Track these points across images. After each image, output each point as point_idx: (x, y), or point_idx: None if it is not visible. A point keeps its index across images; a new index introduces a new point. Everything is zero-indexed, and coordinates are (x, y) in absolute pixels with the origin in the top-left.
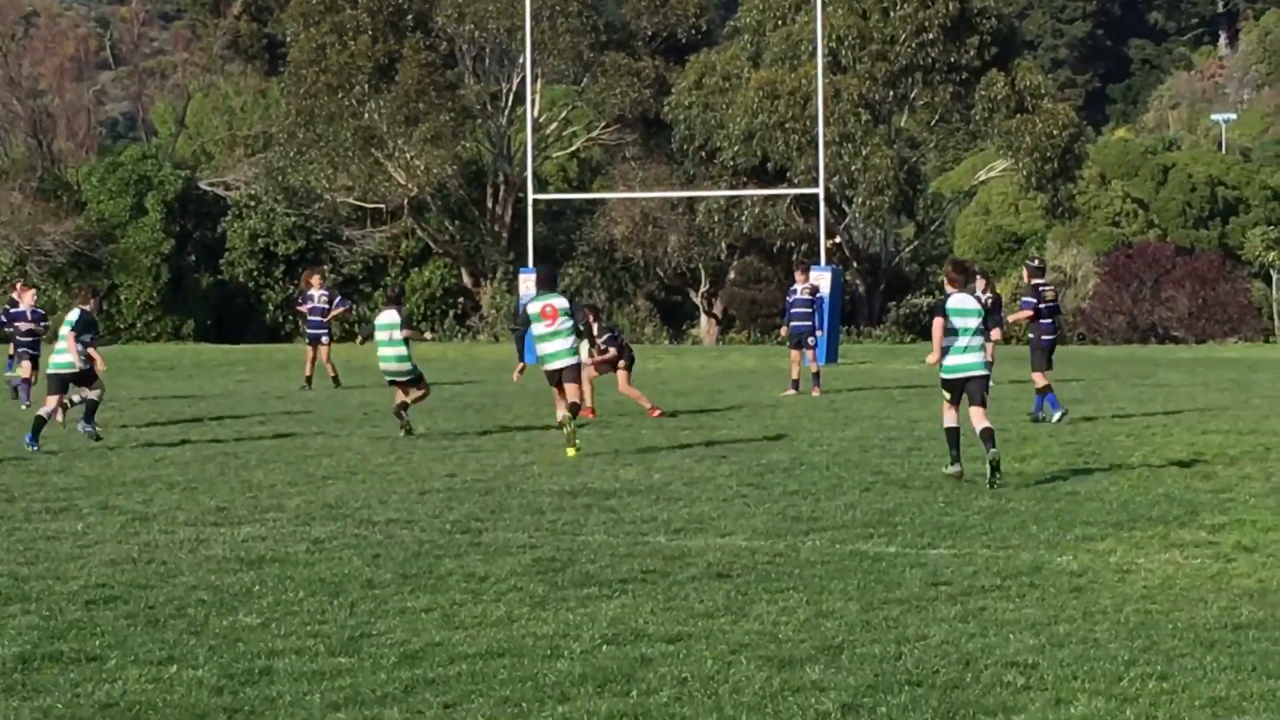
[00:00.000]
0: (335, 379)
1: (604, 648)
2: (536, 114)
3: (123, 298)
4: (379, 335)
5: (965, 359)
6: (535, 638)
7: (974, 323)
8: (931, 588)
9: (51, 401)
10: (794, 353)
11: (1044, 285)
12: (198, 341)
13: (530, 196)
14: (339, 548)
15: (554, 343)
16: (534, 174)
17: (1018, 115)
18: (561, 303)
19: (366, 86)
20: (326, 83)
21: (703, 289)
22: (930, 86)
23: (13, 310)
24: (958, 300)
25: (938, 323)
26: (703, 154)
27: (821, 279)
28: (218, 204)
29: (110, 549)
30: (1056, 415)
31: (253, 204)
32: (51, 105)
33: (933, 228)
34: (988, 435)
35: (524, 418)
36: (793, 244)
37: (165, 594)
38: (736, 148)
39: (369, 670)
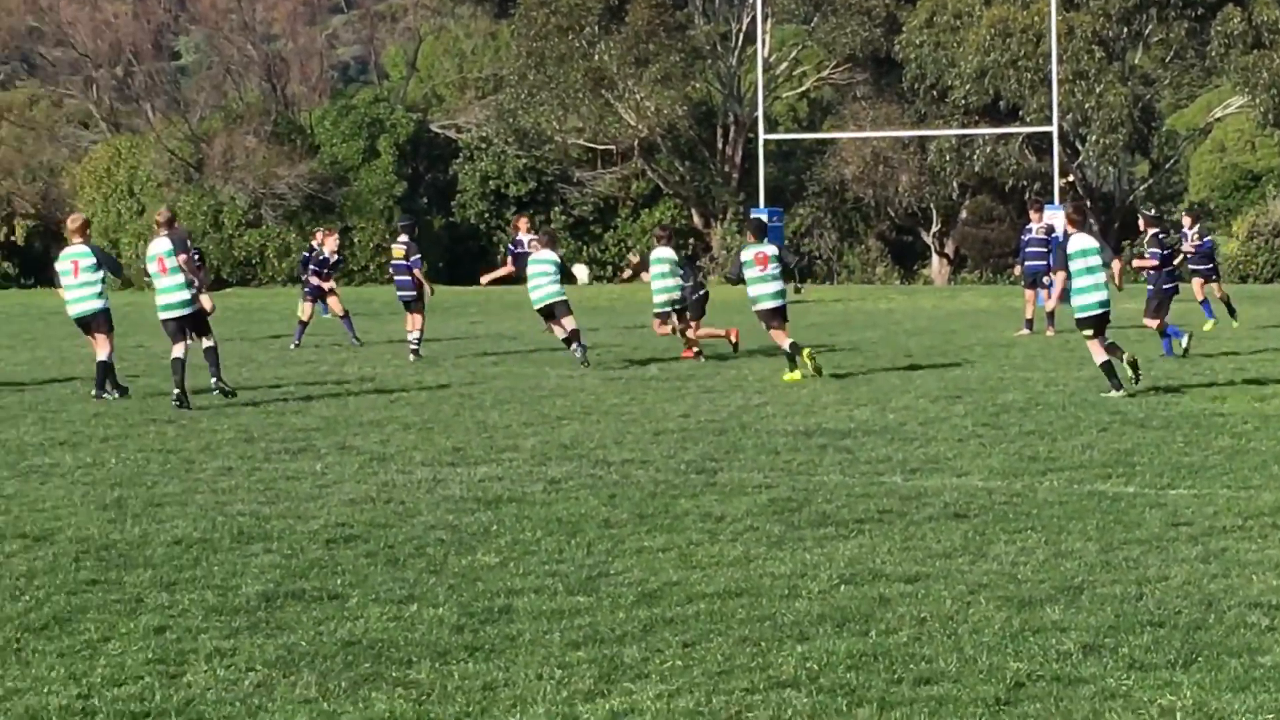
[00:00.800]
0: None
1: (842, 588)
2: (766, 54)
3: (355, 240)
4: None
5: (1104, 295)
6: (773, 577)
7: (1098, 260)
8: (1172, 528)
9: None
10: (1028, 292)
11: (1162, 234)
12: (430, 283)
13: (761, 137)
14: (575, 488)
15: (764, 285)
16: (764, 114)
17: (1254, 51)
18: (772, 250)
19: (596, 28)
20: (557, 24)
21: (934, 229)
22: (1165, 22)
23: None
24: (1080, 241)
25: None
26: (934, 93)
27: (1055, 218)
28: (449, 146)
29: (349, 489)
30: (1184, 340)
31: (484, 146)
32: (284, 50)
33: (1167, 166)
34: (1115, 349)
35: (756, 359)
36: (1025, 183)
37: (404, 533)
38: (968, 86)
39: (607, 609)
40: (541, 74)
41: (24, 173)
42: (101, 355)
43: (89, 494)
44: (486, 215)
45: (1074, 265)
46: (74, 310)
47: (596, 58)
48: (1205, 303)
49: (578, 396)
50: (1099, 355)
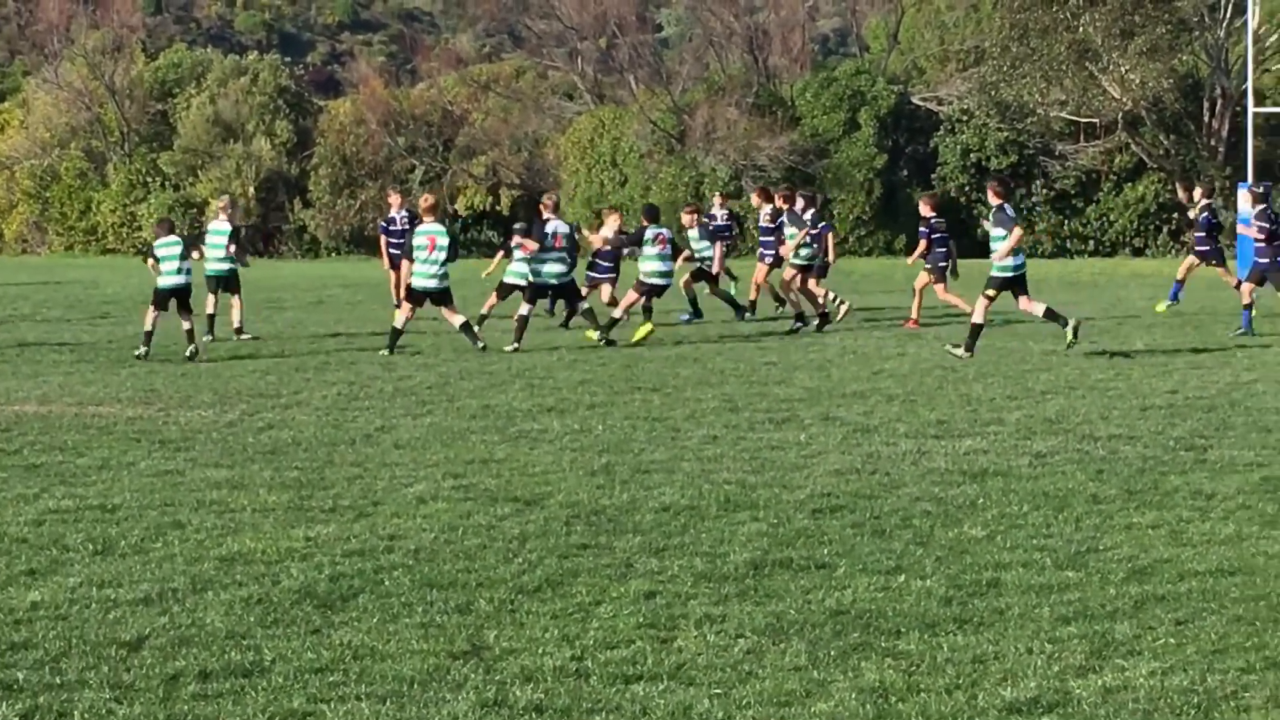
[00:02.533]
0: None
1: None
2: (1256, 25)
3: (835, 212)
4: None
5: (1022, 257)
6: (1266, 556)
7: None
8: None
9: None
10: None
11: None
12: (909, 256)
13: (1249, 110)
14: (1061, 462)
15: (658, 263)
16: (1253, 87)
17: None
18: (667, 233)
19: (1081, 0)
20: None
21: None
22: None
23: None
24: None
25: (1018, 231)
26: None
27: None
28: (929, 119)
29: (834, 459)
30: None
31: (965, 119)
32: (766, 21)
33: None
34: (1050, 314)
35: (1246, 337)
36: None
37: (890, 504)
38: None
39: (1097, 585)
40: (1024, 46)
41: (509, 143)
42: (456, 322)
43: (577, 460)
44: (967, 188)
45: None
46: (418, 284)
47: (1080, 30)
48: None
49: (1061, 371)
50: (978, 315)
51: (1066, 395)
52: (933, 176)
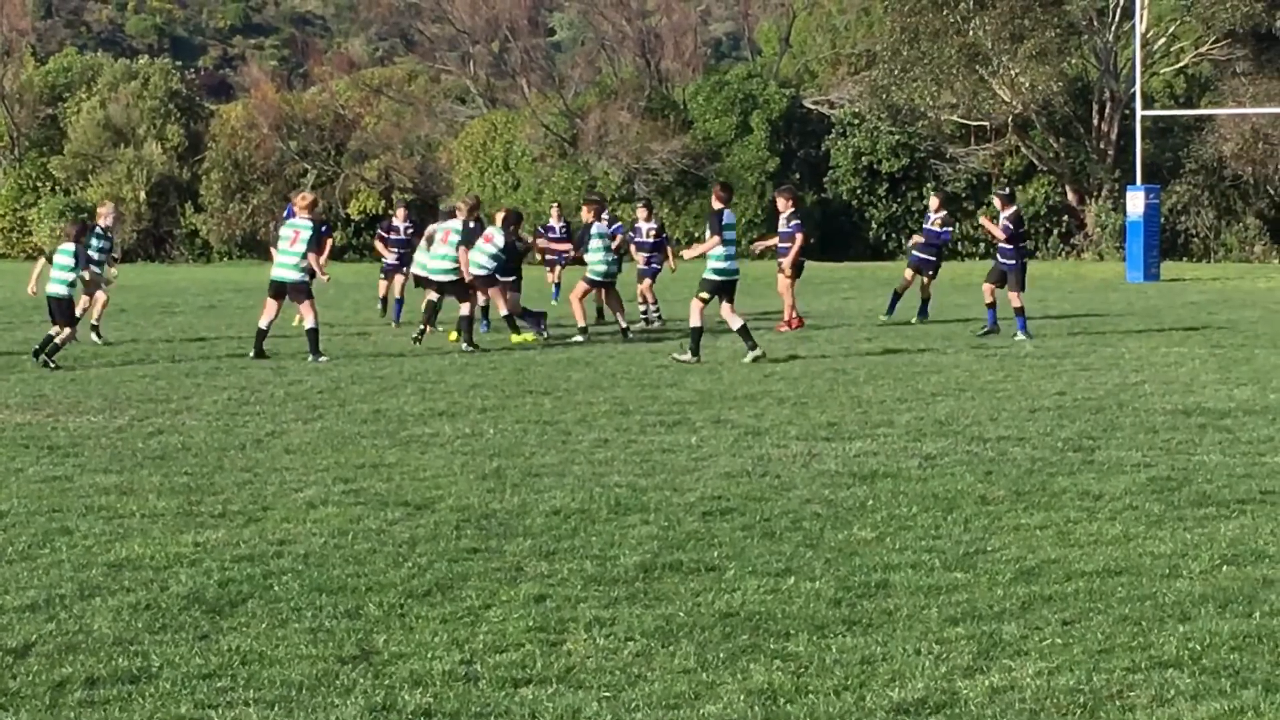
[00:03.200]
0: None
1: (1224, 568)
2: (1144, 29)
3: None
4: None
5: (733, 264)
6: (1153, 556)
7: (733, 235)
8: None
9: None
10: None
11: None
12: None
13: (1138, 113)
14: (951, 464)
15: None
16: (1141, 90)
17: None
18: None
19: (971, 3)
20: (931, 0)
21: None
22: None
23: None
24: (727, 216)
25: (713, 239)
26: None
27: None
28: (821, 122)
29: (725, 462)
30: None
31: (856, 122)
32: (658, 25)
33: None
34: (744, 331)
35: (1133, 336)
36: None
37: (780, 507)
38: None
39: (985, 586)
40: (915, 50)
41: (402, 147)
42: (309, 322)
43: (468, 464)
44: (859, 191)
45: (726, 235)
46: (275, 274)
47: (971, 33)
48: None
49: (952, 373)
50: (697, 319)
51: (956, 397)
52: (824, 180)
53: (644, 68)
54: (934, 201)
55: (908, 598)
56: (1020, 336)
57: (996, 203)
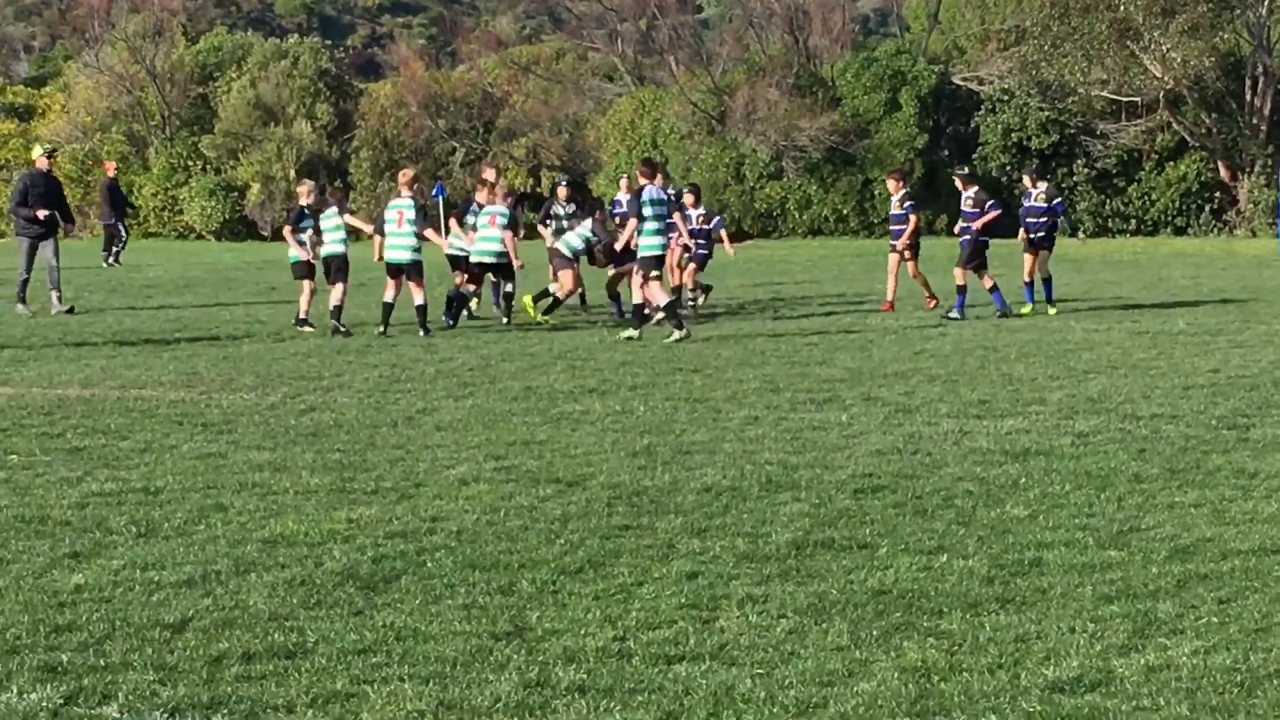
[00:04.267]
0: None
1: None
2: None
3: (876, 193)
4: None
5: (664, 239)
6: None
7: (664, 210)
8: None
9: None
10: None
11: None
12: (950, 236)
13: None
14: (1104, 441)
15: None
16: None
17: None
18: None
19: None
20: None
21: None
22: None
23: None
24: (652, 193)
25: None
26: None
27: None
28: (970, 99)
29: (875, 439)
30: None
31: (1006, 98)
32: (807, 2)
33: None
34: (670, 309)
35: None
36: None
37: (932, 484)
38: None
39: (1139, 564)
40: (1065, 25)
41: (550, 125)
42: (418, 299)
43: (619, 441)
44: (1009, 168)
45: (655, 211)
46: (391, 256)
47: (1122, 8)
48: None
49: (1103, 350)
50: (660, 298)
51: (1108, 375)
52: (974, 156)
53: (792, 44)
54: (1028, 180)
55: (1061, 576)
56: (955, 315)
57: (958, 183)
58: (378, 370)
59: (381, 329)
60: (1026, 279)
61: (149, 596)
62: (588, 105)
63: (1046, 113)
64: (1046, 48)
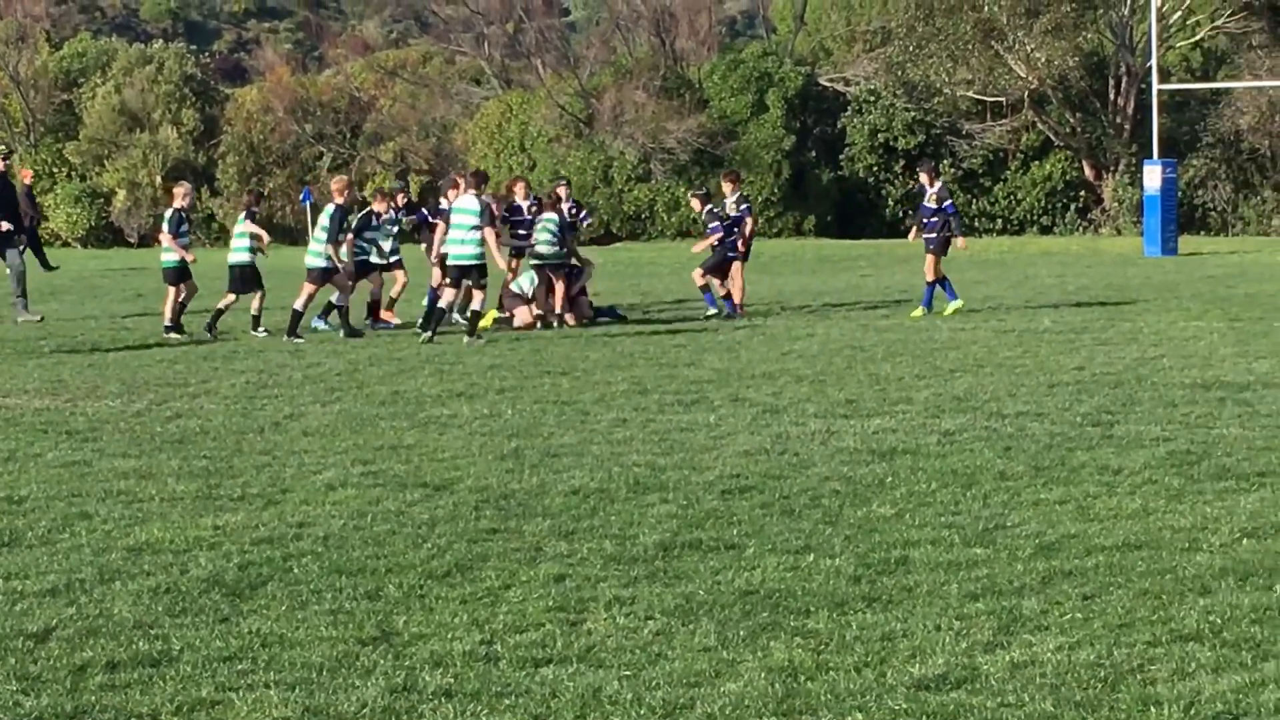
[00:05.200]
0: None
1: (1244, 541)
2: (1160, 3)
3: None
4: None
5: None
6: (1172, 530)
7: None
8: None
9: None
10: None
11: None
12: (818, 237)
13: (1154, 87)
14: (970, 440)
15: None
16: (1157, 64)
17: None
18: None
19: None
20: None
21: None
22: None
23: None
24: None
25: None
26: None
27: None
28: (837, 100)
29: (743, 440)
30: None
31: (872, 99)
32: (673, 4)
33: None
34: (438, 317)
35: (1151, 311)
36: None
37: (799, 484)
38: None
39: (1005, 561)
40: (930, 26)
41: (417, 129)
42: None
43: (486, 444)
44: (875, 168)
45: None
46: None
47: (986, 9)
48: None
49: (970, 349)
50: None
51: (974, 373)
52: (840, 157)
53: (659, 47)
54: (924, 177)
55: (927, 574)
56: (920, 310)
57: (924, 177)
58: (244, 376)
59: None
60: (930, 279)
61: (12, 606)
62: (455, 109)
63: (912, 113)
64: (911, 49)
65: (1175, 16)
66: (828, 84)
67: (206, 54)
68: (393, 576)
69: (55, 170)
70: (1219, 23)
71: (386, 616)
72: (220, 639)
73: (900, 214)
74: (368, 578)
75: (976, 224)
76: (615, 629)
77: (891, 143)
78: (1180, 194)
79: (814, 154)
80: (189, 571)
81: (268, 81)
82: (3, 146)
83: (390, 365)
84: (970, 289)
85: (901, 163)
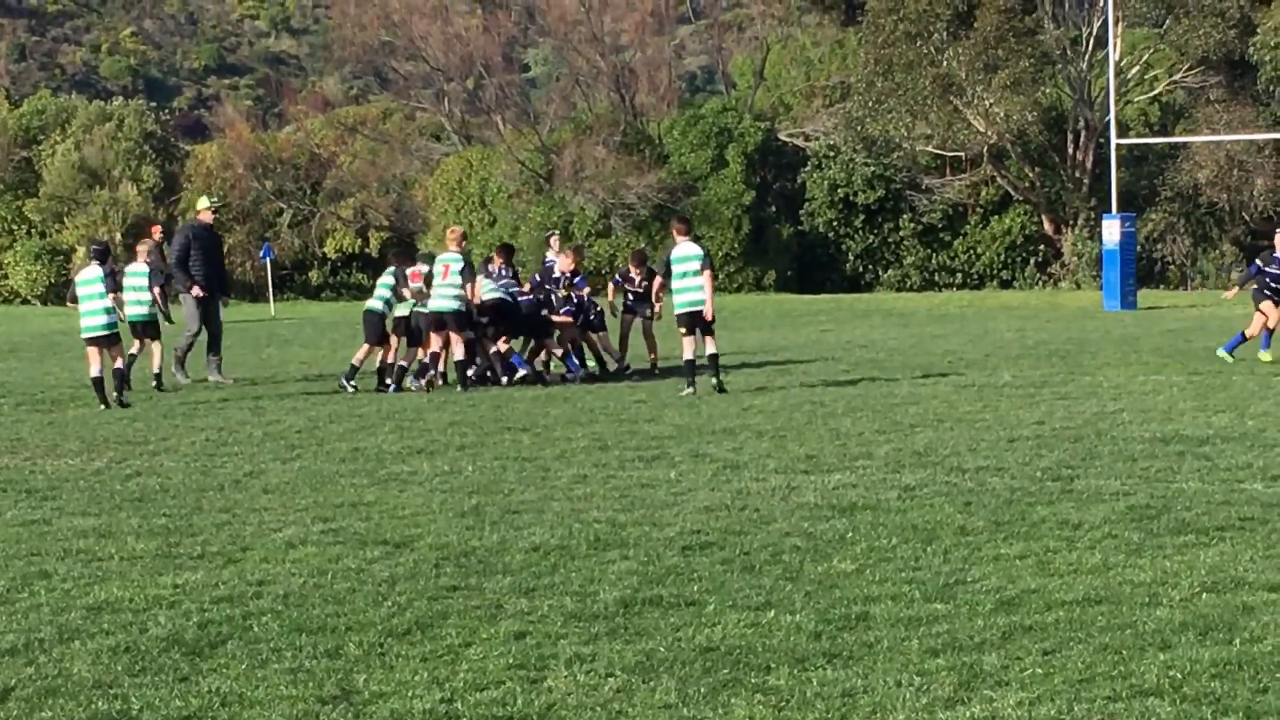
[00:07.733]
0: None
1: (1204, 595)
2: (1118, 58)
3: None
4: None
5: (690, 296)
6: (1132, 585)
7: (695, 266)
8: None
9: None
10: None
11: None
12: (779, 292)
13: (1113, 141)
14: (930, 495)
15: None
16: (1115, 118)
17: None
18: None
19: (945, 34)
20: (904, 31)
21: None
22: None
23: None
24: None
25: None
26: None
27: None
28: (796, 155)
29: (703, 496)
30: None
31: (832, 154)
32: (633, 60)
33: None
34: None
35: (1111, 365)
36: None
37: (760, 540)
38: None
39: (965, 616)
40: (889, 81)
41: (377, 185)
42: (457, 354)
43: (447, 501)
44: (835, 223)
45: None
46: (434, 305)
47: (945, 64)
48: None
49: (930, 404)
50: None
51: (935, 428)
52: (800, 212)
53: (619, 103)
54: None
55: (888, 630)
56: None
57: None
58: (204, 434)
59: (423, 383)
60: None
61: None
62: (415, 165)
63: (872, 168)
64: (871, 104)
65: (1133, 71)
66: (787, 139)
67: (167, 111)
68: (353, 634)
69: (15, 228)
70: (1176, 77)
71: (347, 675)
72: (180, 698)
73: (860, 268)
74: (328, 636)
75: (936, 278)
76: (576, 686)
77: (851, 197)
78: (1139, 248)
79: (774, 209)
80: (148, 630)
81: (228, 138)
82: (215, 199)
83: (351, 422)
84: (930, 343)
85: (861, 217)
